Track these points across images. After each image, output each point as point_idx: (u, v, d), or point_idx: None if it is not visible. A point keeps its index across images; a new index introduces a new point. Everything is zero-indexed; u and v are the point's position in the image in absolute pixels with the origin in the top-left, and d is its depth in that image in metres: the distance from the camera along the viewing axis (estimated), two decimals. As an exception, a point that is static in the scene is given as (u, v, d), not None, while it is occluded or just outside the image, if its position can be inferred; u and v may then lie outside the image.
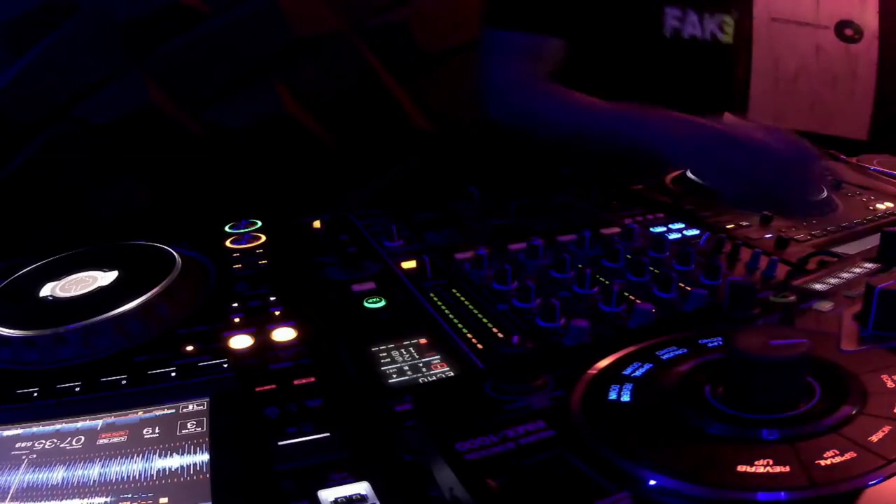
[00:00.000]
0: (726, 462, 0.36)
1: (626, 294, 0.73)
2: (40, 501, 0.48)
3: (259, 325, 0.69)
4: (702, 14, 1.20)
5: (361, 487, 0.46)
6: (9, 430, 0.55)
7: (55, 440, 0.54)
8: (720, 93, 1.37)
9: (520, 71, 1.11)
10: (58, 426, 0.55)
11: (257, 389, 0.59)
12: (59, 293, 0.74)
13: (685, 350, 0.48)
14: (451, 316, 0.70)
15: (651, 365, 0.47)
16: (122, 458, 0.51)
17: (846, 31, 2.18)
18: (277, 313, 0.71)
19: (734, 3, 1.27)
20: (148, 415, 0.56)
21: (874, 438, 0.36)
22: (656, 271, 0.77)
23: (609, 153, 1.07)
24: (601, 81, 1.11)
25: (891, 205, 1.04)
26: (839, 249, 0.84)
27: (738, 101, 1.45)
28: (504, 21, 1.12)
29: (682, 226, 0.95)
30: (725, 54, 1.29)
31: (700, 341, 0.49)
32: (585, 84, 1.12)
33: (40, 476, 0.50)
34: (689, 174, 1.12)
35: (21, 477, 0.50)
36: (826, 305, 0.55)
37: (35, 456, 0.52)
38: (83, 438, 0.54)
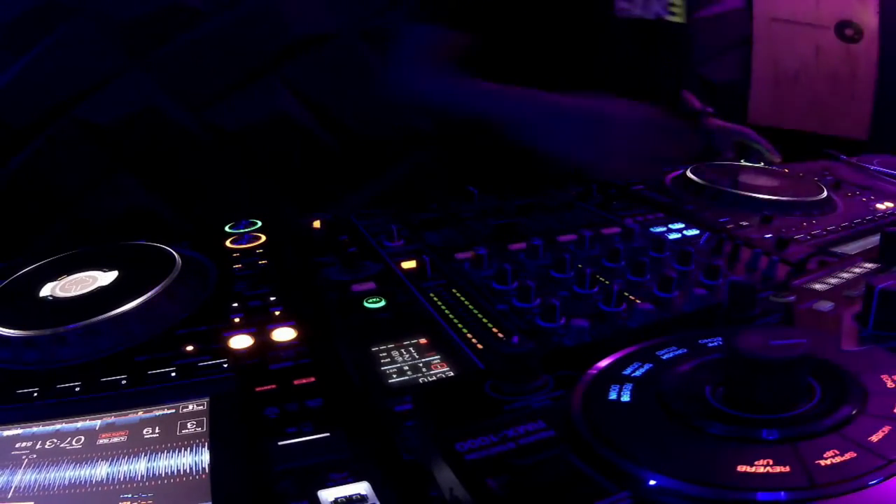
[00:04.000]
0: (726, 462, 0.36)
1: (626, 294, 0.73)
2: (40, 502, 0.48)
3: (259, 325, 0.69)
4: None
5: (361, 487, 0.46)
6: (9, 430, 0.55)
7: (55, 440, 0.54)
8: (672, 71, 1.41)
9: (420, 57, 1.21)
10: (58, 426, 0.55)
11: (257, 389, 0.59)
12: (59, 293, 0.74)
13: (685, 350, 0.48)
14: (451, 316, 0.70)
15: (651, 365, 0.47)
16: (122, 458, 0.51)
17: (846, 31, 2.18)
18: (277, 313, 0.71)
19: None
20: (148, 415, 0.56)
21: (874, 438, 0.36)
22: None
23: (475, 126, 1.15)
24: (551, 65, 1.19)
25: (891, 205, 1.04)
26: (839, 249, 0.85)
27: (691, 80, 1.49)
28: (419, 15, 1.23)
29: (682, 226, 0.95)
30: (676, 33, 1.32)
31: (700, 341, 0.49)
32: (533, 68, 1.18)
33: (40, 476, 0.50)
34: (688, 174, 1.12)
35: (21, 477, 0.50)
36: (826, 305, 0.55)
37: (35, 456, 0.52)
38: (83, 438, 0.54)
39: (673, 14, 1.28)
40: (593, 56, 1.23)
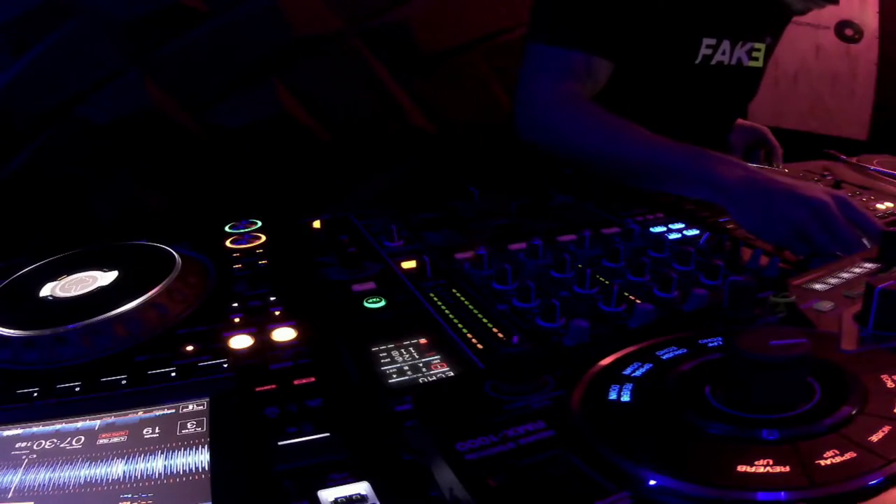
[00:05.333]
0: (726, 462, 0.36)
1: (626, 294, 0.73)
2: (40, 502, 0.48)
3: (259, 325, 0.69)
4: (735, 42, 1.19)
5: (361, 487, 0.46)
6: (9, 430, 0.55)
7: (55, 440, 0.54)
8: (739, 113, 1.41)
9: (563, 89, 1.08)
10: (58, 426, 0.55)
11: (257, 389, 0.59)
12: (59, 293, 0.74)
13: (685, 350, 0.48)
14: (451, 316, 0.70)
15: (651, 365, 0.47)
16: (122, 458, 0.51)
17: (846, 31, 2.18)
18: (277, 313, 0.71)
19: (769, 30, 1.25)
20: (148, 415, 0.56)
21: (874, 438, 0.36)
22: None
23: (641, 185, 1.04)
24: (623, 103, 1.10)
25: (891, 205, 1.04)
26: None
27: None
28: (555, 37, 1.09)
29: (682, 226, 0.95)
30: (750, 78, 1.29)
31: (700, 341, 0.49)
32: (609, 104, 1.10)
33: (40, 476, 0.50)
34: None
35: (21, 477, 0.50)
36: (826, 305, 0.55)
37: (35, 456, 0.52)
38: (83, 438, 0.54)
39: (755, 59, 1.23)
40: (671, 103, 1.18)
